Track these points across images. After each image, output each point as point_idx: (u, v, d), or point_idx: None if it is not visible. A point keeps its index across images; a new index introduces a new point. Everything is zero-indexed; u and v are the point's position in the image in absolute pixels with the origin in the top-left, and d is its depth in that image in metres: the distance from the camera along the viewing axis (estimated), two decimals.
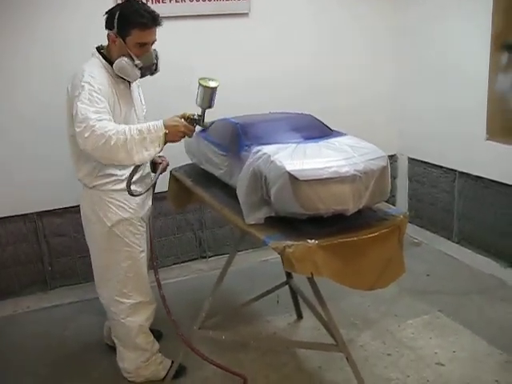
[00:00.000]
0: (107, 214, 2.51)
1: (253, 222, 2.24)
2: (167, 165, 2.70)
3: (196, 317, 2.69)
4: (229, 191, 2.55)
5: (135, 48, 2.36)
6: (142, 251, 2.65)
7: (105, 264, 2.61)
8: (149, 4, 3.52)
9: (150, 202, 2.76)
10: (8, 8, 3.31)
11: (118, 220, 2.53)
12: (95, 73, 2.34)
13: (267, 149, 2.24)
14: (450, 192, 4.14)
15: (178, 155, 3.16)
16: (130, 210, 2.55)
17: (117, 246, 2.56)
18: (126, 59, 2.36)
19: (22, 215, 3.68)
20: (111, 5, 3.32)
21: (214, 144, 2.72)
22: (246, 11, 3.84)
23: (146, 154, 2.25)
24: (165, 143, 2.28)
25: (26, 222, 3.71)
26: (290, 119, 2.73)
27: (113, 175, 2.50)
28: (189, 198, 3.11)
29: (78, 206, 3.61)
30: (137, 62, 2.37)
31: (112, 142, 2.16)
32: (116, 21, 2.33)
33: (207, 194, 2.71)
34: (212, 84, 2.32)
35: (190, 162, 3.15)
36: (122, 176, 2.51)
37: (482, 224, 3.89)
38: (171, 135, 2.28)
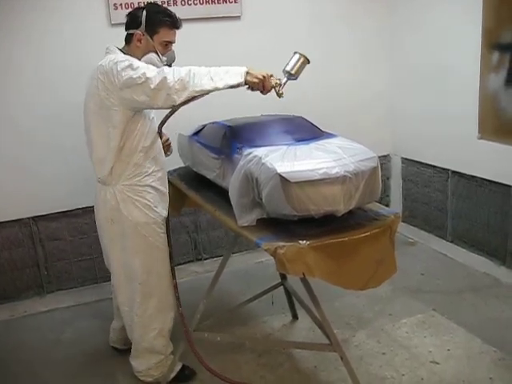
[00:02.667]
0: (132, 212, 2.49)
1: (245, 224, 2.26)
2: (167, 140, 2.74)
3: (191, 318, 2.70)
4: (222, 194, 2.57)
5: (161, 46, 2.49)
6: (166, 251, 2.63)
7: (127, 264, 2.58)
8: None
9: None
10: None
11: (144, 219, 2.51)
12: (123, 57, 2.37)
13: (258, 151, 2.27)
14: (444, 191, 4.16)
15: (171, 158, 3.18)
16: (155, 209, 2.54)
17: (140, 245, 2.54)
18: (155, 55, 2.47)
19: (17, 220, 3.69)
20: (102, 10, 3.38)
21: (206, 147, 2.74)
22: (237, 14, 3.86)
23: (229, 81, 2.28)
24: (246, 82, 2.31)
25: (22, 227, 3.71)
26: (281, 121, 2.74)
27: (142, 171, 2.49)
28: (183, 201, 3.13)
29: (74, 209, 3.65)
30: (163, 58, 2.50)
31: (194, 71, 2.24)
32: (144, 19, 2.43)
33: (200, 196, 2.73)
34: (308, 58, 2.45)
35: (184, 165, 3.17)
36: (149, 169, 2.50)
37: (475, 222, 3.91)
38: (252, 76, 2.30)
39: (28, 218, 3.71)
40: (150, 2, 2.61)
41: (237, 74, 2.28)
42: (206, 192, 2.75)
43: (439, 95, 4.01)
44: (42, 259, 3.82)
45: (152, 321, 2.64)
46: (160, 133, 2.55)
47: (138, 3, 3.54)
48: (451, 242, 4.16)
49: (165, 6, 3.58)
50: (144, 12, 2.45)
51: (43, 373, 3.01)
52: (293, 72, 2.44)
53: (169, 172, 3.17)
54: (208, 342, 2.92)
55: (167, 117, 2.43)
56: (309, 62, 2.46)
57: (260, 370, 2.90)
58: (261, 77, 2.32)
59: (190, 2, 3.70)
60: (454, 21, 3.77)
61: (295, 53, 2.46)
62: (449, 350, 2.95)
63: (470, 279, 3.75)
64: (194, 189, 2.85)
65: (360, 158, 2.21)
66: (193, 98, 2.28)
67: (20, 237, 3.72)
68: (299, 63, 2.44)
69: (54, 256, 3.84)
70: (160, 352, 2.73)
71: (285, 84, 2.43)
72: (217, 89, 2.27)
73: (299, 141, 2.41)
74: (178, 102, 2.26)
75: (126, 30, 2.50)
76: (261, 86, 2.34)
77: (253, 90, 2.37)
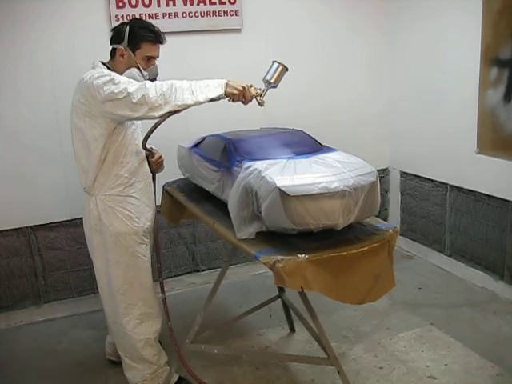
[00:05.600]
0: (114, 222, 2.52)
1: (244, 237, 2.26)
2: (160, 157, 2.74)
3: (188, 330, 2.70)
4: (221, 206, 2.58)
5: (143, 61, 2.52)
6: (147, 261, 2.65)
7: (110, 275, 2.60)
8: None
9: (153, 213, 2.74)
10: None
11: (124, 229, 2.54)
12: (105, 72, 2.42)
13: (258, 164, 2.27)
14: (442, 205, 4.16)
15: (170, 170, 3.19)
16: (136, 220, 2.57)
17: (122, 256, 2.56)
18: (136, 70, 2.51)
19: (15, 229, 3.68)
20: (104, 21, 3.40)
21: (205, 159, 2.75)
22: (238, 27, 3.89)
23: (209, 94, 2.32)
24: (226, 94, 2.35)
25: (20, 236, 3.70)
26: (281, 135, 2.75)
27: (123, 182, 2.53)
28: (182, 212, 3.13)
29: (72, 220, 3.65)
30: (145, 73, 2.53)
31: (176, 85, 2.28)
32: (127, 34, 2.48)
33: (199, 208, 2.73)
34: (287, 66, 2.50)
35: (183, 176, 3.18)
36: (130, 180, 2.54)
37: (473, 237, 3.91)
38: (231, 87, 2.35)
39: (26, 227, 3.70)
40: (135, 18, 2.69)
41: (217, 87, 2.33)
42: (205, 204, 2.76)
43: (438, 110, 4.03)
44: (40, 268, 3.80)
45: (137, 331, 2.64)
46: (146, 149, 2.57)
47: (140, 15, 3.57)
48: (449, 256, 4.15)
49: (166, 17, 3.65)
50: (127, 27, 2.50)
51: (38, 383, 3.00)
52: (272, 81, 2.49)
53: (167, 183, 3.20)
54: (205, 354, 2.92)
55: (151, 131, 2.44)
56: (287, 69, 2.51)
57: (257, 382, 2.90)
58: (240, 88, 2.36)
59: (191, 15, 3.72)
60: (454, 36, 3.79)
61: (274, 62, 2.51)
62: (446, 364, 2.95)
63: (468, 294, 3.75)
64: (193, 201, 2.85)
65: (359, 173, 2.22)
66: (175, 112, 2.32)
67: (18, 246, 3.72)
68: (278, 71, 2.49)
69: (51, 265, 3.83)
70: (151, 362, 2.71)
71: (265, 93, 2.48)
72: (198, 103, 2.32)
73: (299, 154, 2.41)
74: (160, 114, 2.30)
75: (111, 44, 2.56)
76: (241, 96, 2.38)
77: (234, 101, 2.41)
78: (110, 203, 2.52)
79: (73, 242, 3.79)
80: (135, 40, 2.49)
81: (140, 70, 2.52)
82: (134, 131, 2.55)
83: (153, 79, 2.54)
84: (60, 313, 3.78)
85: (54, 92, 3.49)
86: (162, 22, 3.64)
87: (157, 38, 2.52)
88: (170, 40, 3.64)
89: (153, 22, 3.53)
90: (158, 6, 3.64)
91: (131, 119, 2.42)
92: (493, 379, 2.80)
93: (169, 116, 2.33)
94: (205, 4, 3.75)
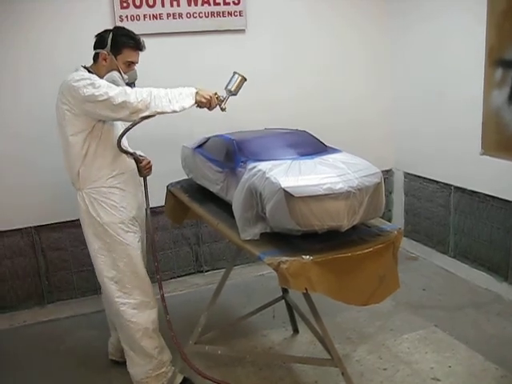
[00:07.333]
0: (100, 213, 2.63)
1: (248, 238, 2.26)
2: (148, 163, 2.83)
3: (192, 331, 2.70)
4: (225, 207, 2.57)
5: (124, 65, 2.67)
6: (137, 249, 2.72)
7: (103, 265, 2.69)
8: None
9: (143, 204, 2.84)
10: None
11: (110, 219, 2.64)
12: (85, 75, 2.55)
13: (262, 165, 2.27)
14: (446, 206, 4.16)
15: (174, 170, 3.19)
16: (122, 209, 2.66)
17: (111, 244, 2.66)
18: (117, 73, 2.65)
19: (19, 229, 3.69)
20: (108, 21, 3.40)
21: (210, 160, 2.75)
22: (242, 28, 3.89)
23: (183, 104, 2.53)
24: (196, 102, 2.57)
25: (24, 236, 3.72)
26: (285, 135, 2.75)
27: (105, 174, 2.63)
28: (185, 213, 3.13)
29: (76, 220, 3.63)
30: (125, 77, 2.67)
31: (154, 93, 2.47)
32: (110, 40, 2.63)
33: (203, 209, 2.73)
34: (245, 76, 2.75)
35: (187, 177, 3.17)
36: (113, 171, 2.64)
37: (477, 238, 3.90)
38: (201, 96, 2.57)
39: (30, 228, 3.71)
40: (117, 26, 2.91)
41: (188, 96, 2.55)
42: (209, 205, 2.75)
43: (442, 111, 4.02)
44: (43, 269, 3.82)
45: (134, 321, 2.70)
46: (121, 148, 2.64)
47: (144, 15, 3.58)
48: (453, 257, 4.15)
49: (170, 18, 3.66)
50: (110, 34, 2.65)
51: (41, 383, 3.00)
52: (233, 90, 2.74)
53: (171, 184, 3.20)
54: (208, 355, 2.92)
55: (127, 130, 2.58)
56: (246, 80, 2.75)
57: (260, 383, 2.89)
58: (208, 97, 2.59)
59: (195, 15, 3.73)
60: (457, 37, 3.78)
61: (234, 73, 2.75)
62: (450, 366, 2.94)
63: (472, 295, 3.74)
64: (197, 201, 2.85)
65: (364, 174, 2.21)
66: (152, 116, 2.50)
67: (22, 246, 3.73)
68: (238, 82, 2.73)
69: (55, 266, 3.85)
70: (151, 355, 2.74)
71: (227, 100, 2.70)
72: (175, 111, 2.52)
73: (303, 155, 2.40)
74: (140, 117, 2.47)
75: (94, 49, 2.68)
76: (208, 104, 2.61)
77: (201, 107, 2.63)
78: (95, 195, 2.63)
79: (76, 242, 3.79)
80: (117, 46, 2.63)
81: (121, 73, 2.65)
82: (114, 125, 2.66)
83: (132, 83, 2.71)
84: (63, 313, 3.78)
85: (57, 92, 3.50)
86: (166, 23, 3.66)
87: (137, 44, 2.67)
88: (173, 40, 3.71)
89: (157, 22, 3.63)
90: (163, 6, 3.64)
91: (112, 120, 2.56)
92: (497, 381, 2.79)
93: (147, 118, 2.49)
94: (209, 5, 3.76)
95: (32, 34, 3.47)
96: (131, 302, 2.69)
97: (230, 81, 2.74)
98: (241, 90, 2.76)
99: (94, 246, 2.68)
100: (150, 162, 2.84)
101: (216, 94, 2.64)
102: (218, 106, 2.67)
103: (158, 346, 2.77)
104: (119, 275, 2.68)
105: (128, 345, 2.76)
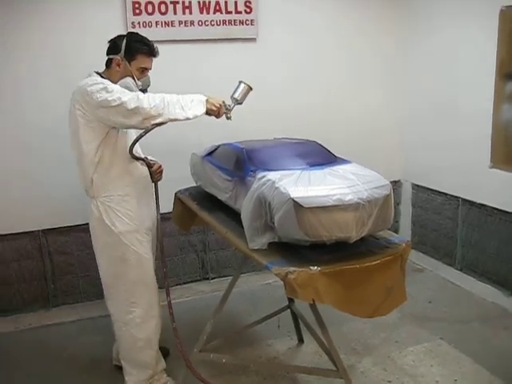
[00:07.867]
0: (115, 222, 2.61)
1: (256, 247, 2.26)
2: (160, 167, 2.82)
3: (197, 338, 2.70)
4: (233, 215, 2.58)
5: (137, 71, 2.66)
6: (150, 259, 2.72)
7: (113, 274, 2.67)
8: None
9: (155, 214, 2.82)
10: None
11: (125, 228, 2.62)
12: (98, 80, 2.54)
13: (272, 175, 2.27)
14: (454, 219, 4.14)
15: (182, 177, 3.20)
16: (137, 218, 2.65)
17: (124, 254, 2.64)
18: (131, 79, 2.64)
19: (26, 232, 3.71)
20: (120, 27, 3.42)
21: (219, 168, 2.75)
22: (253, 36, 3.90)
23: (196, 112, 2.52)
24: (206, 110, 2.56)
25: (31, 239, 3.73)
26: (295, 145, 2.76)
27: (120, 182, 2.62)
28: (193, 219, 3.13)
29: (83, 224, 3.65)
30: (139, 83, 2.67)
31: (167, 99, 2.45)
32: (124, 46, 2.62)
33: (212, 217, 2.73)
34: (251, 86, 2.76)
35: (195, 184, 3.18)
36: (127, 180, 2.64)
37: (484, 251, 3.88)
38: (211, 104, 2.57)
39: (38, 231, 3.73)
40: (131, 32, 2.88)
41: (199, 103, 2.54)
42: (217, 213, 2.76)
43: (452, 123, 4.02)
44: (50, 272, 3.82)
45: (138, 330, 2.70)
46: (133, 155, 2.63)
47: (156, 22, 3.60)
48: (460, 270, 4.13)
49: (182, 25, 3.67)
50: (124, 40, 2.64)
51: None
52: (239, 99, 2.74)
53: (180, 191, 3.21)
54: (213, 363, 2.91)
55: (140, 137, 2.55)
56: (251, 89, 2.76)
57: None
58: (218, 105, 2.60)
59: (207, 23, 3.74)
60: (468, 50, 3.79)
61: (240, 82, 2.76)
62: (456, 380, 2.92)
63: (478, 308, 3.72)
64: (205, 209, 2.85)
65: (374, 186, 2.21)
66: (164, 123, 2.49)
67: (29, 249, 3.74)
68: (244, 91, 2.75)
69: (61, 270, 3.85)
70: (148, 366, 2.75)
71: (232, 108, 2.71)
72: (187, 119, 2.51)
73: (313, 166, 2.41)
74: (152, 124, 2.45)
75: (107, 55, 2.67)
76: (217, 112, 2.61)
77: (210, 115, 2.63)
78: (110, 203, 2.61)
79: (83, 246, 3.80)
80: (131, 51, 2.62)
81: (134, 79, 2.64)
82: (127, 133, 2.64)
83: (145, 89, 2.69)
84: (68, 317, 3.78)
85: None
86: (177, 30, 3.68)
87: (151, 51, 2.67)
88: (184, 48, 3.72)
89: (169, 30, 3.64)
90: (175, 13, 3.66)
91: (124, 126, 2.53)
92: None
93: (159, 125, 2.48)
94: (221, 13, 3.77)
95: (38, 36, 3.48)
96: (138, 312, 2.68)
97: (236, 90, 2.75)
98: (246, 99, 2.76)
99: (107, 255, 2.66)
100: (160, 167, 2.82)
101: (224, 102, 2.65)
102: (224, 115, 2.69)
103: (156, 357, 2.79)
104: (129, 285, 2.66)
105: (126, 355, 2.77)
